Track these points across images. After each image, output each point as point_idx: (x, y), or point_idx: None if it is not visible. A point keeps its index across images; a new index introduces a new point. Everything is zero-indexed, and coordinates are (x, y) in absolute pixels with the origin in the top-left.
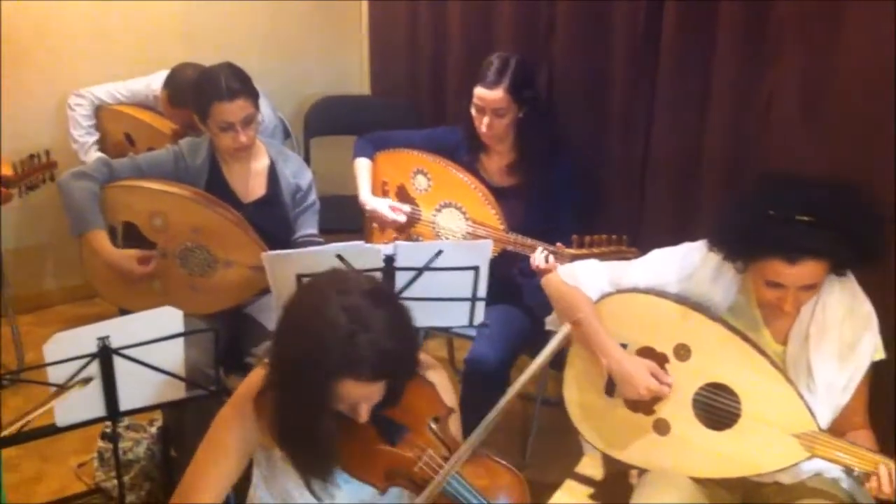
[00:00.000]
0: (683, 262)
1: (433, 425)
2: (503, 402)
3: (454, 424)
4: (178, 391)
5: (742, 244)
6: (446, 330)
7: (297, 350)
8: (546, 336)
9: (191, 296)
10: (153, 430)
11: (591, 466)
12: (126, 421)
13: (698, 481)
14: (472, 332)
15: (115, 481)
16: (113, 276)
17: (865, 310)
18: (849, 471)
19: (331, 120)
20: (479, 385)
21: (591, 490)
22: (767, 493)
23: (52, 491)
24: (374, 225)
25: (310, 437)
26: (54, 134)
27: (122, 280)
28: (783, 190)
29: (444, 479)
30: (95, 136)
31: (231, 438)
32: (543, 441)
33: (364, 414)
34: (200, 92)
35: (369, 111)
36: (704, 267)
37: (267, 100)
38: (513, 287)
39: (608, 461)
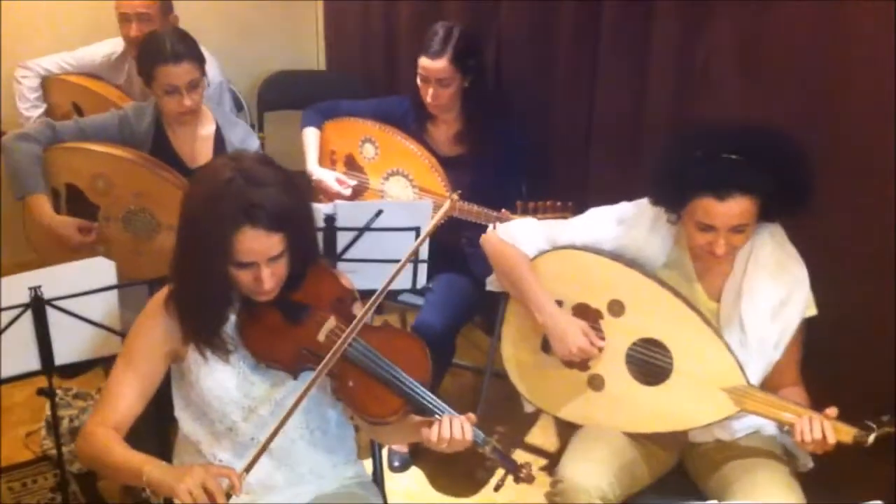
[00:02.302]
0: (619, 218)
1: (336, 304)
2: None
3: (357, 308)
4: (113, 346)
5: (672, 184)
6: (395, 299)
7: (196, 207)
8: (491, 302)
9: (135, 260)
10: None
11: (541, 436)
12: (74, 389)
13: (632, 436)
14: (421, 302)
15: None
16: (55, 241)
17: (797, 267)
18: (782, 426)
19: (284, 94)
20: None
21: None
22: (704, 451)
23: None
24: (321, 197)
25: (206, 293)
26: (5, 108)
27: (64, 245)
28: (712, 131)
29: (345, 342)
30: (42, 108)
31: (144, 342)
32: (493, 411)
33: (266, 280)
34: (146, 55)
35: (323, 85)
36: (640, 221)
37: (215, 61)
38: (459, 255)
39: (560, 429)
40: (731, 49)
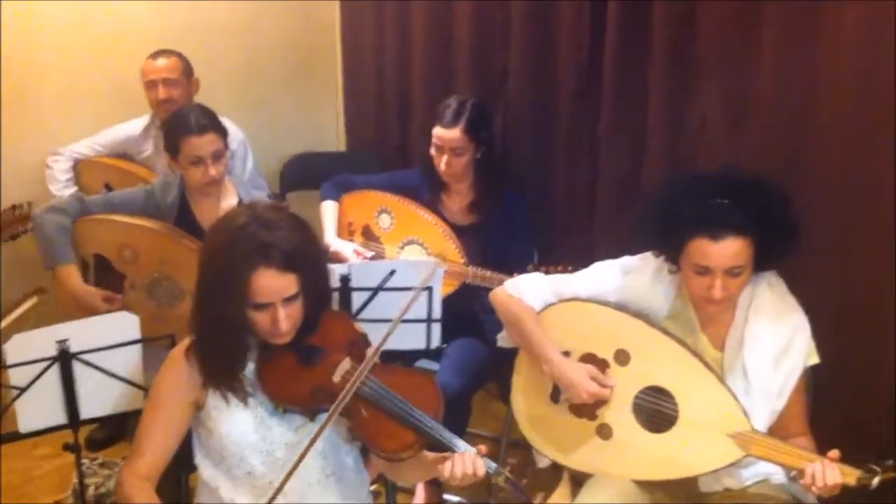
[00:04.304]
0: (623, 269)
1: (350, 347)
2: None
3: (370, 351)
4: (138, 402)
5: (667, 227)
6: (411, 365)
7: (213, 252)
8: (507, 370)
9: (159, 328)
10: None
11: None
12: (100, 458)
13: (641, 485)
14: (437, 367)
15: None
16: (82, 311)
17: (796, 314)
18: (789, 471)
19: (306, 174)
20: (444, 414)
21: None
22: (714, 501)
23: None
24: None
25: (225, 336)
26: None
27: (89, 314)
28: (703, 177)
29: (358, 378)
30: (72, 189)
31: (168, 391)
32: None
33: (282, 321)
34: (171, 129)
35: (343, 165)
36: (643, 272)
37: (230, 122)
38: (474, 322)
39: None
40: (720, 111)
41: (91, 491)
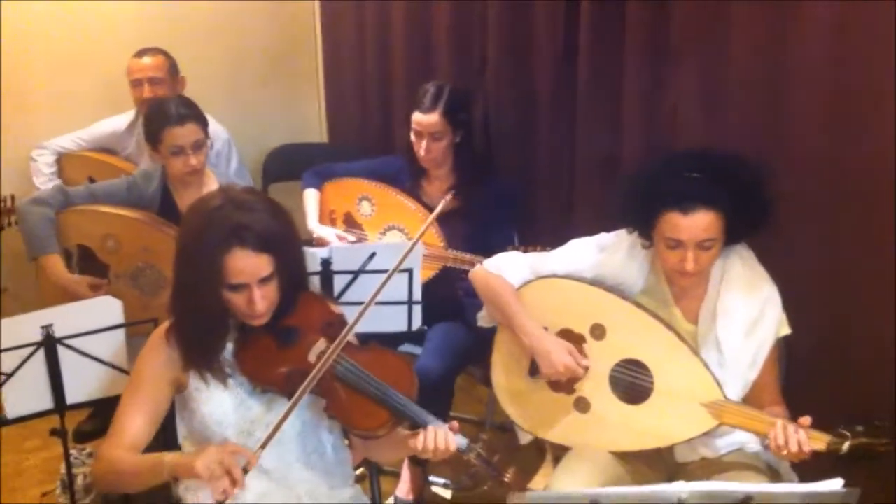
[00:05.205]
0: (598, 246)
1: (325, 328)
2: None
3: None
4: (122, 386)
5: (640, 202)
6: (395, 349)
7: (188, 234)
8: (488, 349)
9: (143, 317)
10: None
11: (543, 482)
12: (88, 449)
13: (619, 456)
14: (420, 351)
15: None
16: (67, 299)
17: (767, 286)
18: (762, 439)
19: (288, 166)
20: (426, 396)
21: None
22: (691, 470)
23: None
24: None
25: (202, 318)
26: (23, 188)
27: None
28: (675, 155)
29: (330, 357)
30: (56, 182)
31: (148, 372)
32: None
33: (258, 301)
34: (151, 120)
35: (324, 157)
36: (617, 248)
37: (215, 121)
38: (456, 306)
39: None
40: (694, 97)
41: (80, 481)
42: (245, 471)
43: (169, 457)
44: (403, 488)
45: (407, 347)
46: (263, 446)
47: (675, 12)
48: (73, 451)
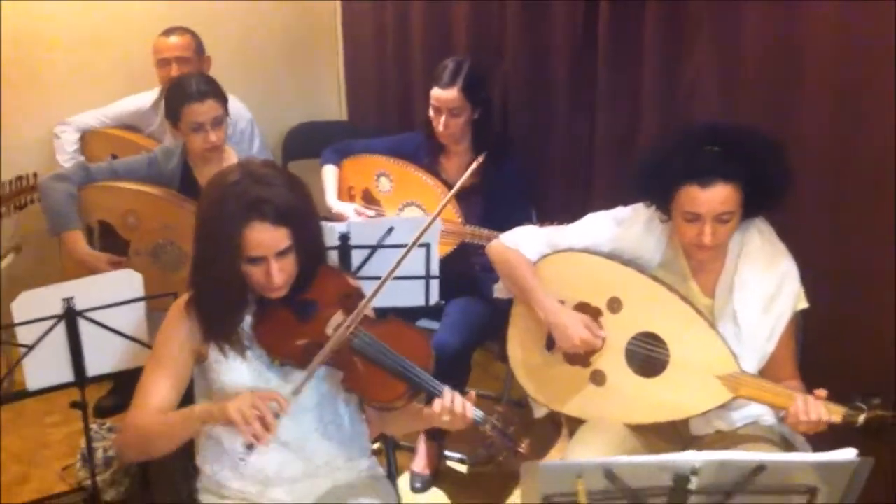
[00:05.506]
0: (615, 220)
1: (343, 300)
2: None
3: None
4: (142, 359)
5: (658, 176)
6: (414, 322)
7: (208, 208)
8: (505, 325)
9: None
10: None
11: (559, 457)
12: (108, 423)
13: (634, 429)
14: (437, 326)
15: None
16: (88, 274)
17: (785, 260)
18: (778, 412)
19: (308, 144)
20: (443, 371)
21: None
22: (706, 443)
23: (35, 491)
24: None
25: (220, 290)
26: (47, 163)
27: None
28: (693, 128)
29: (347, 330)
30: (80, 159)
31: (170, 343)
32: None
33: (276, 274)
34: (172, 96)
35: (344, 134)
36: (635, 221)
37: (238, 101)
38: (473, 281)
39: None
40: (711, 78)
41: (100, 454)
42: (276, 415)
43: (199, 406)
44: (420, 463)
45: (424, 322)
46: (296, 393)
47: None
48: (93, 426)
